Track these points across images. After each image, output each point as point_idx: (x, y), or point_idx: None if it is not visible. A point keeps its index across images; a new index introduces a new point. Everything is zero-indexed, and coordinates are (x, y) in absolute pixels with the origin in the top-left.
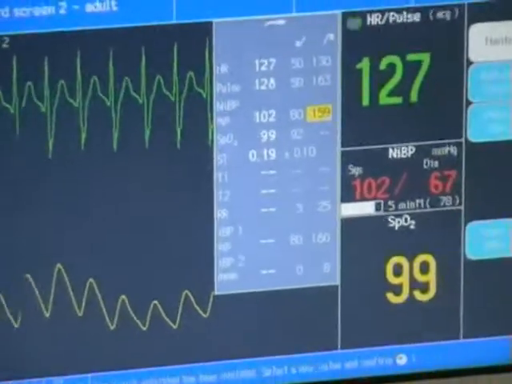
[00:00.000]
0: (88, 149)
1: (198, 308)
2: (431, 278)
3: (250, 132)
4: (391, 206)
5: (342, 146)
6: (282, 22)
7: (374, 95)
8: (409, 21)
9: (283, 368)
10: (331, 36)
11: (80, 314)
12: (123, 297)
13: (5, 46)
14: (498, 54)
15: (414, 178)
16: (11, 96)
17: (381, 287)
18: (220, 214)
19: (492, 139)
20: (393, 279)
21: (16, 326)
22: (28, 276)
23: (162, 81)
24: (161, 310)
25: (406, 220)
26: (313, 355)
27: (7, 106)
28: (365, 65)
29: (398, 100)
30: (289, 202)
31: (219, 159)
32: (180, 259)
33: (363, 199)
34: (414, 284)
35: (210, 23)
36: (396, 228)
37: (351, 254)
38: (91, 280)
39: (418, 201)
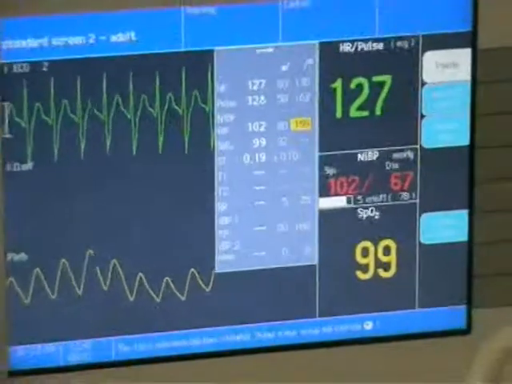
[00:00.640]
0: (112, 153)
1: (201, 283)
2: (392, 259)
3: (244, 139)
4: (360, 200)
5: (320, 151)
6: (270, 49)
7: (345, 109)
8: (374, 49)
9: (271, 332)
10: (310, 61)
11: (106, 288)
12: (141, 274)
13: (44, 69)
14: (446, 77)
15: (378, 177)
16: (49, 110)
17: (351, 266)
18: (220, 206)
19: (441, 146)
20: (361, 260)
21: (53, 297)
22: (64, 260)
23: (172, 98)
24: (171, 284)
25: (371, 211)
26: (296, 322)
27: (46, 118)
28: (338, 85)
29: (365, 113)
30: (276, 197)
31: (219, 161)
32: (187, 243)
33: (337, 194)
34: (378, 264)
35: (212, 51)
36: (364, 218)
37: (327, 239)
38: (115, 261)
39: (381, 196)
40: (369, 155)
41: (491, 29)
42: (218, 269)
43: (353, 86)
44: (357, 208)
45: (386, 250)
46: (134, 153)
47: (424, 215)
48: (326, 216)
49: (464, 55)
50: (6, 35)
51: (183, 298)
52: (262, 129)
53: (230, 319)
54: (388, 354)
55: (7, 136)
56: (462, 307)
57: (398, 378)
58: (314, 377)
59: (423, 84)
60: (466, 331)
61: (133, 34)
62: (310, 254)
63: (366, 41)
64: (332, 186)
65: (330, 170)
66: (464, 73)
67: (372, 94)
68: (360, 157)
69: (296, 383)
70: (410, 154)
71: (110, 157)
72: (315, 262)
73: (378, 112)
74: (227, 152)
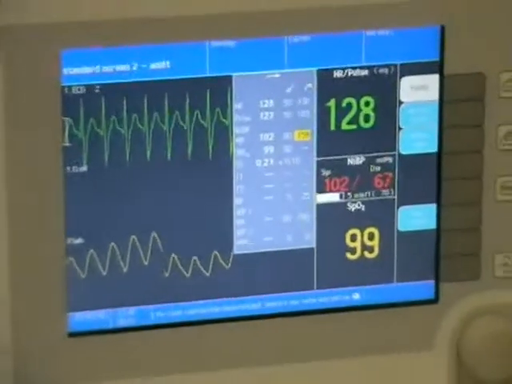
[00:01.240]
0: (152, 159)
1: (222, 262)
2: (376, 243)
3: (256, 147)
4: (349, 196)
5: (317, 156)
6: (277, 75)
7: (338, 123)
8: (361, 74)
9: (278, 302)
10: (310, 85)
11: (146, 265)
12: (173, 255)
13: (97, 90)
14: (419, 97)
15: (364, 177)
16: (101, 124)
17: (342, 249)
18: (237, 200)
19: (415, 152)
20: (350, 244)
21: (104, 273)
22: (113, 243)
23: (199, 114)
24: (198, 262)
25: (359, 205)
26: (298, 293)
27: (98, 130)
28: (332, 104)
29: (353, 126)
30: (282, 193)
31: (237, 165)
32: (211, 230)
33: (331, 191)
34: (364, 247)
35: (231, 76)
36: (352, 210)
37: (323, 227)
38: (153, 244)
39: (366, 192)
40: (356, 160)
41: (455, 58)
42: (235, 251)
43: (344, 104)
44: (347, 202)
45: (371, 236)
46: (169, 158)
47: (401, 208)
48: (322, 209)
49: (433, 80)
50: (67, 63)
51: (207, 274)
52: (271, 139)
53: (245, 291)
54: (372, 319)
55: (67, 144)
56: (431, 281)
57: (380, 338)
58: (313, 338)
59: (400, 103)
60: (435, 301)
61: (168, 63)
62: (309, 239)
63: (354, 68)
64: (327, 184)
65: (325, 172)
66: (433, 94)
67: (359, 111)
68: (350, 161)
69: (298, 343)
70: (390, 159)
71: (149, 161)
72: (313, 245)
73: (364, 125)
74: (243, 157)
